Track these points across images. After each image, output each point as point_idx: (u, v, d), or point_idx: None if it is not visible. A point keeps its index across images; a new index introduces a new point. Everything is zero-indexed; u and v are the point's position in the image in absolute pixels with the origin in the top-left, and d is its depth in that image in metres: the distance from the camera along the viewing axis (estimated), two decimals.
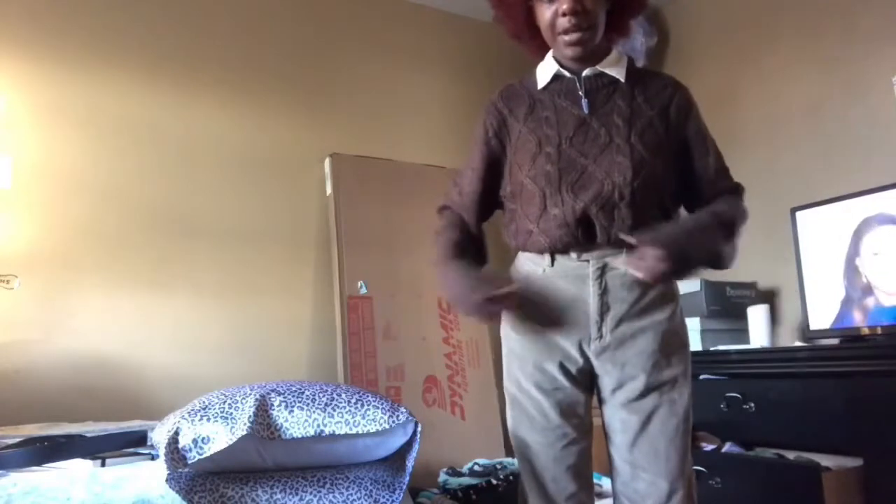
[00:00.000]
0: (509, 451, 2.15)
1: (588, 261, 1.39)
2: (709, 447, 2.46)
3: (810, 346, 2.43)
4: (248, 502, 1.29)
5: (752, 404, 2.31)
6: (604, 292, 1.38)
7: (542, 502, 1.41)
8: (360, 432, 1.33)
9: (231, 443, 1.24)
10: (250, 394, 1.33)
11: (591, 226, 1.37)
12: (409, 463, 1.40)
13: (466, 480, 2.38)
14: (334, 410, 1.33)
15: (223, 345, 2.63)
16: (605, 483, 2.33)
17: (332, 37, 3.09)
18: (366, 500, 1.36)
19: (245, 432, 1.24)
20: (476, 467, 2.48)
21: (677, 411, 1.37)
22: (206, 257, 2.66)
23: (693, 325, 2.68)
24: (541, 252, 1.42)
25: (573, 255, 1.39)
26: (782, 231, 2.68)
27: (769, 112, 2.95)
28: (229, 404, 1.30)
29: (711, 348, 2.62)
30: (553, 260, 1.41)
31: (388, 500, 1.38)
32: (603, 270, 1.38)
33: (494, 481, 2.35)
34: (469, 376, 2.94)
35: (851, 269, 2.37)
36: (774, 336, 2.69)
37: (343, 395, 1.37)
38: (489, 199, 1.54)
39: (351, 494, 1.36)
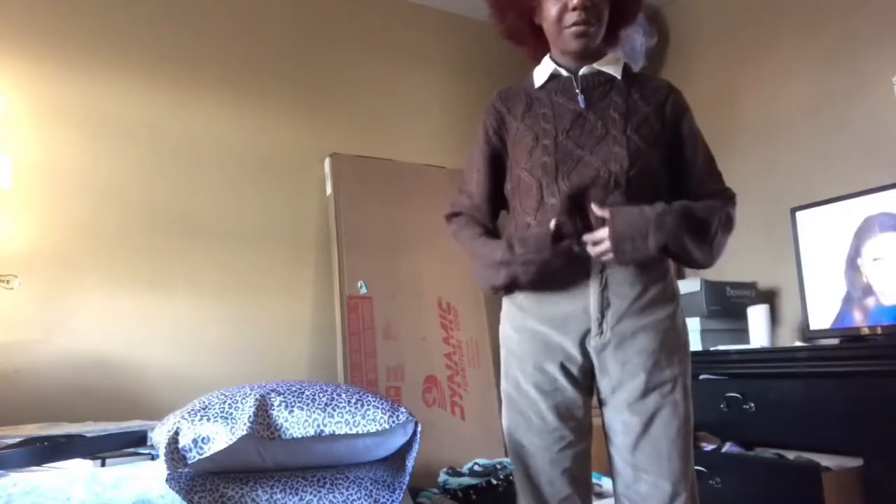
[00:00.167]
0: None
1: (588, 256, 1.39)
2: (709, 447, 2.46)
3: (810, 346, 2.43)
4: (248, 502, 1.29)
5: (752, 404, 2.31)
6: (604, 288, 1.38)
7: None
8: (360, 432, 1.33)
9: (231, 443, 1.24)
10: (250, 394, 1.32)
11: (586, 215, 1.38)
12: (409, 463, 1.39)
13: (466, 480, 2.38)
14: (334, 410, 1.33)
15: (223, 345, 2.63)
16: (605, 483, 2.33)
17: (332, 37, 3.09)
18: (366, 500, 1.36)
19: (245, 432, 1.24)
20: (476, 467, 2.48)
21: (679, 412, 1.37)
22: (206, 257, 2.66)
23: (693, 325, 2.68)
24: None
25: (574, 248, 1.39)
26: (782, 231, 2.68)
27: (769, 112, 2.95)
28: (229, 404, 1.30)
29: (711, 348, 2.62)
30: None
31: (388, 500, 1.38)
32: (604, 266, 1.39)
33: (494, 481, 2.35)
34: (469, 376, 2.94)
35: (852, 269, 2.36)
36: (774, 336, 2.69)
37: (343, 395, 1.37)
38: (497, 198, 1.55)
39: (351, 494, 1.36)
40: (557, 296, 1.40)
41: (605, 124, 1.41)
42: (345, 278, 2.80)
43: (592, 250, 1.36)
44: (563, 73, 1.47)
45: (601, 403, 1.45)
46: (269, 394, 1.33)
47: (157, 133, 2.65)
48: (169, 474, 1.25)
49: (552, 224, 1.36)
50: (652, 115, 1.44)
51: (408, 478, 1.40)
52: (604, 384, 1.41)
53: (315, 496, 1.33)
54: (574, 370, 1.41)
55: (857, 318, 2.34)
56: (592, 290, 1.39)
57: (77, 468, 1.42)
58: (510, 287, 1.44)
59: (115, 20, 2.63)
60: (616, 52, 1.53)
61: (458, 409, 2.87)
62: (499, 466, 2.46)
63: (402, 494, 1.40)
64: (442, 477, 2.46)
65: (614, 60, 1.48)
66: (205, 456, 1.24)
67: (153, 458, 1.54)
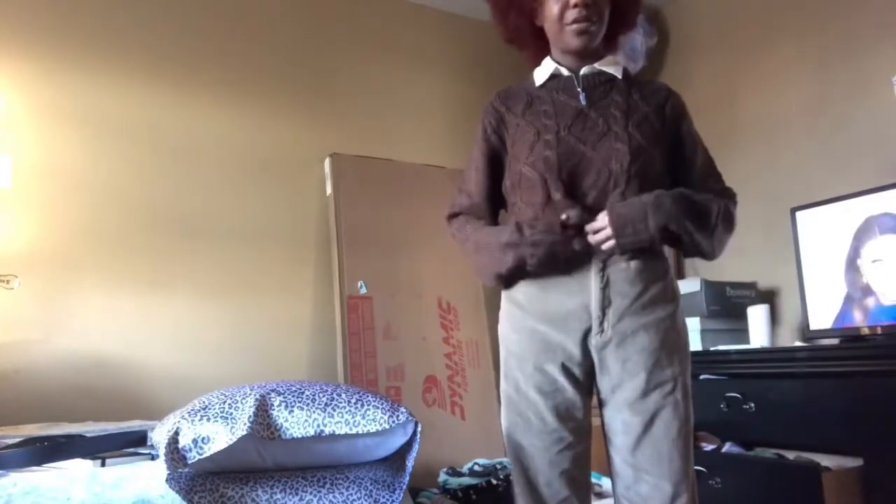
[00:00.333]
0: None
1: (590, 253, 1.39)
2: (709, 447, 2.46)
3: (810, 346, 2.43)
4: (248, 502, 1.29)
5: (752, 404, 2.31)
6: (605, 286, 1.39)
7: None
8: (360, 432, 1.33)
9: (231, 443, 1.24)
10: (250, 394, 1.32)
11: (588, 211, 1.38)
12: (409, 463, 1.39)
13: (466, 480, 2.38)
14: (334, 410, 1.33)
15: (223, 345, 2.63)
16: (604, 483, 2.33)
17: (332, 37, 3.09)
18: (366, 500, 1.36)
19: (245, 432, 1.24)
20: (476, 467, 2.48)
21: (680, 413, 1.37)
22: (206, 257, 2.66)
23: (693, 325, 2.68)
24: None
25: (575, 246, 1.39)
26: (782, 231, 2.68)
27: (769, 112, 2.95)
28: (229, 404, 1.30)
29: (711, 348, 2.62)
30: None
31: (388, 500, 1.38)
32: (605, 264, 1.39)
33: (494, 481, 2.35)
34: (469, 376, 2.94)
35: (852, 270, 2.36)
36: (774, 336, 2.69)
37: (343, 395, 1.37)
38: (497, 197, 1.56)
39: (351, 494, 1.36)
40: (558, 293, 1.41)
41: (606, 121, 1.42)
42: (345, 278, 2.80)
43: (593, 239, 1.36)
44: (564, 72, 1.48)
45: (601, 404, 1.44)
46: (269, 394, 1.33)
47: (157, 133, 2.65)
48: (169, 474, 1.25)
49: (564, 216, 1.36)
50: (652, 114, 1.45)
51: (408, 478, 1.40)
52: (604, 383, 1.41)
53: (315, 496, 1.33)
54: (575, 370, 1.41)
55: (858, 318, 2.34)
56: (594, 288, 1.39)
57: (77, 468, 1.42)
58: (515, 275, 1.44)
59: (115, 20, 2.63)
60: (616, 56, 1.55)
61: (458, 409, 2.87)
62: (499, 466, 2.46)
63: (402, 494, 1.40)
64: (442, 477, 2.47)
65: (613, 62, 1.50)
66: (205, 456, 1.24)
67: (153, 458, 1.54)
